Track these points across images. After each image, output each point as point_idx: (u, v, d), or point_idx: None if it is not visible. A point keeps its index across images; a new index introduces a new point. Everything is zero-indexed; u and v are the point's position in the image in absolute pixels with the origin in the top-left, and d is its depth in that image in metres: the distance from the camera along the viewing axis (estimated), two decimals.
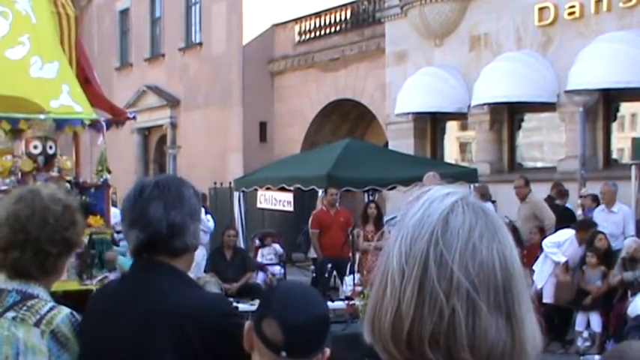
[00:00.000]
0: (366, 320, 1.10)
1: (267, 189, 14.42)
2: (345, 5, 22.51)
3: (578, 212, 12.75)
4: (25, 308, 2.29)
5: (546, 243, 10.27)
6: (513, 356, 1.05)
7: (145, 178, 2.30)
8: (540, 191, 14.45)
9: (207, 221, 13.66)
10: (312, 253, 13.42)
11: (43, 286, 2.37)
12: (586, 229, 10.14)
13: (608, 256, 9.94)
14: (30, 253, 2.32)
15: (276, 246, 13.65)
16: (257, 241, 13.72)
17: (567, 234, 10.33)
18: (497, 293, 1.04)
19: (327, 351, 1.96)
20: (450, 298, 1.02)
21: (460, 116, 17.63)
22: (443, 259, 1.03)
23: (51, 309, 2.30)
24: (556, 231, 10.68)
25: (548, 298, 10.14)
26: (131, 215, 2.21)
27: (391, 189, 13.51)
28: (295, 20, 23.79)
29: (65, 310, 2.30)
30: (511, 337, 1.04)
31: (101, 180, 8.71)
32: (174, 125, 27.60)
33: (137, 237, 2.19)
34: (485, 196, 12.22)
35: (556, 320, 10.09)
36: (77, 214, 2.43)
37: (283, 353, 1.88)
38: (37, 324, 2.27)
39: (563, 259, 10.06)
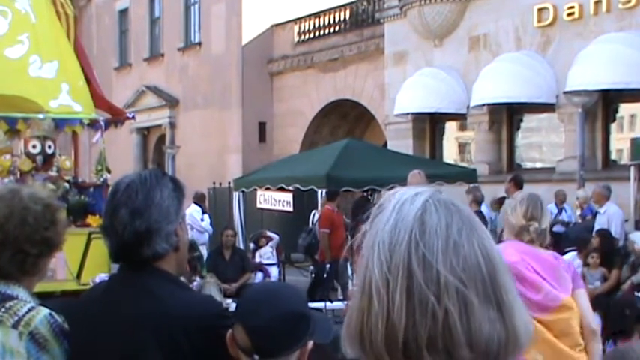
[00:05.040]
0: (350, 334, 1.07)
1: (267, 189, 14.42)
2: (344, 5, 22.51)
3: (577, 213, 12.77)
4: (3, 310, 2.26)
5: None
6: (508, 345, 1.04)
7: (123, 177, 2.25)
8: (539, 192, 14.44)
9: (203, 221, 13.67)
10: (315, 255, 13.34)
11: (23, 287, 2.34)
12: (585, 246, 10.20)
13: (610, 256, 9.95)
14: (8, 254, 2.29)
15: (273, 236, 13.60)
16: (252, 245, 13.72)
17: (568, 255, 10.50)
18: (485, 285, 1.03)
19: (310, 344, 1.95)
20: (441, 298, 1.01)
21: (459, 117, 17.62)
22: (426, 261, 1.02)
23: (29, 310, 2.26)
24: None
25: None
26: (103, 222, 2.20)
27: (390, 189, 13.45)
28: (294, 20, 23.78)
29: (44, 311, 2.26)
30: (504, 327, 1.04)
31: (101, 179, 8.70)
32: (173, 125, 27.59)
33: (109, 245, 2.18)
34: (478, 201, 12.22)
35: None
36: (58, 214, 2.40)
37: (256, 356, 1.90)
38: (15, 325, 2.23)
39: None
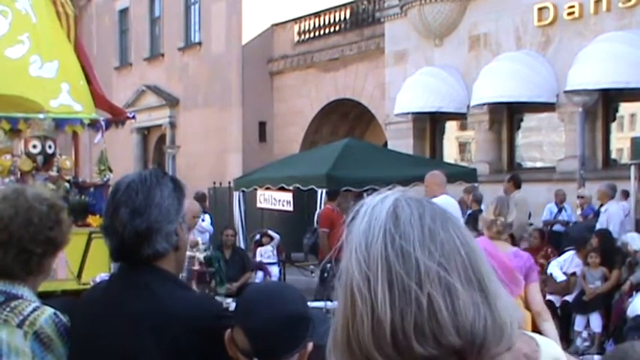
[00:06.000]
0: (336, 344, 1.07)
1: (267, 189, 14.43)
2: (344, 5, 22.50)
3: (578, 212, 12.77)
4: (8, 309, 2.26)
5: (552, 263, 10.45)
6: (495, 331, 1.04)
7: (123, 177, 2.25)
8: (540, 191, 14.46)
9: (204, 221, 13.63)
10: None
11: (28, 287, 2.34)
12: (583, 246, 10.22)
13: (610, 256, 9.95)
14: (13, 253, 2.29)
15: (274, 236, 13.60)
16: (257, 236, 13.72)
17: (567, 254, 10.55)
18: (466, 269, 1.04)
19: (310, 345, 1.94)
20: (423, 285, 1.01)
21: (459, 116, 17.63)
22: (404, 252, 1.03)
23: (34, 310, 2.27)
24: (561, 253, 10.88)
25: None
26: (104, 222, 2.20)
27: (390, 189, 13.50)
28: (294, 20, 23.78)
29: (49, 311, 2.27)
30: (489, 310, 1.04)
31: (104, 179, 8.70)
32: (173, 125, 27.60)
33: (109, 244, 2.18)
34: (479, 201, 12.25)
35: (556, 320, 10.11)
36: (63, 213, 2.39)
37: (255, 359, 1.88)
38: (20, 325, 2.23)
39: (563, 278, 10.22)
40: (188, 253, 9.24)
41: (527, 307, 5.03)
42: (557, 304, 10.13)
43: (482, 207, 12.70)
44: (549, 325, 5.06)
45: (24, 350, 2.22)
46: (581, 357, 9.48)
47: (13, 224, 2.30)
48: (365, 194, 13.94)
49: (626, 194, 12.03)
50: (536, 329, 4.87)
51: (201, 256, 8.66)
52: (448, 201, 8.07)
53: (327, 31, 22.83)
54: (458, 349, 1.02)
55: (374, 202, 1.09)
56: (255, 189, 14.67)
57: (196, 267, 8.54)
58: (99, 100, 9.26)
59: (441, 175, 8.54)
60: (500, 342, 1.05)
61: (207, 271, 8.74)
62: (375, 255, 1.03)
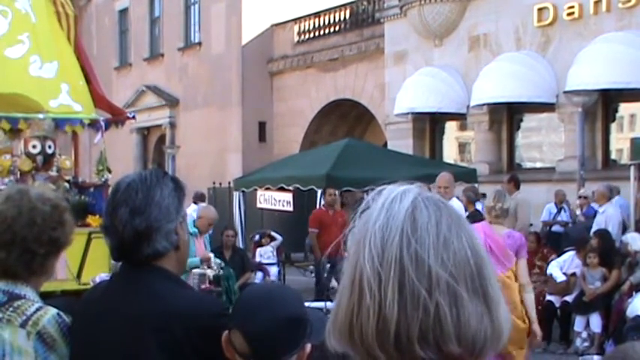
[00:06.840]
0: (337, 328, 1.08)
1: (267, 189, 14.43)
2: (344, 5, 22.51)
3: (578, 212, 12.77)
4: (11, 309, 2.27)
5: (552, 264, 10.46)
6: (493, 339, 1.06)
7: (124, 177, 2.25)
8: (539, 192, 14.46)
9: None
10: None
11: (30, 287, 2.35)
12: (583, 246, 10.22)
13: (609, 256, 9.94)
14: (16, 253, 2.30)
15: (276, 237, 13.62)
16: (257, 236, 13.73)
17: (567, 255, 10.54)
18: (473, 279, 1.05)
19: (308, 347, 1.94)
20: (432, 293, 1.03)
21: (459, 116, 17.63)
22: (419, 258, 1.04)
23: (37, 310, 2.27)
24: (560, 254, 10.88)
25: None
26: (104, 221, 2.21)
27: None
28: (294, 20, 23.79)
29: (52, 311, 2.28)
30: (490, 321, 1.06)
31: (103, 179, 8.70)
32: (173, 125, 27.60)
33: (109, 243, 2.18)
34: (472, 201, 12.26)
35: (556, 320, 10.11)
36: (66, 214, 2.40)
37: None
38: (23, 325, 2.24)
39: (563, 278, 10.23)
40: (199, 270, 9.16)
41: (517, 279, 6.19)
42: (557, 305, 10.13)
43: (477, 207, 12.74)
44: (530, 295, 6.29)
45: (27, 350, 2.23)
46: (580, 357, 9.49)
47: (17, 224, 2.31)
48: (365, 195, 13.99)
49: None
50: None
51: (211, 274, 8.66)
52: (456, 204, 8.19)
53: (326, 31, 22.83)
54: (457, 356, 1.04)
55: (392, 196, 1.10)
56: (255, 189, 14.67)
57: (205, 285, 8.54)
58: (99, 100, 9.25)
59: (451, 176, 8.65)
60: (497, 349, 1.08)
61: (213, 290, 8.74)
62: (389, 255, 1.04)
